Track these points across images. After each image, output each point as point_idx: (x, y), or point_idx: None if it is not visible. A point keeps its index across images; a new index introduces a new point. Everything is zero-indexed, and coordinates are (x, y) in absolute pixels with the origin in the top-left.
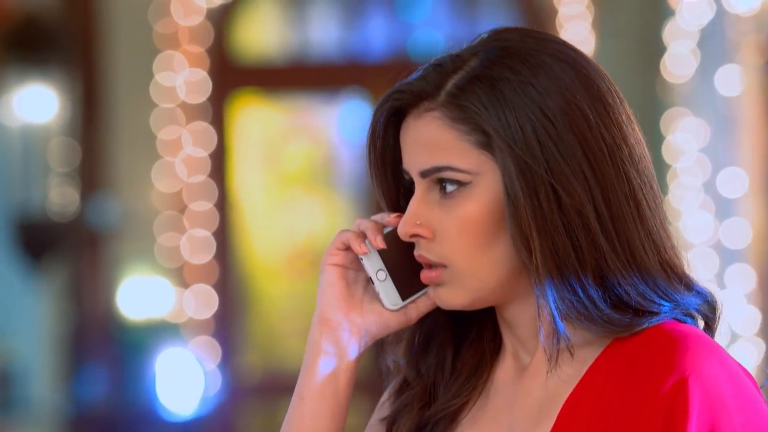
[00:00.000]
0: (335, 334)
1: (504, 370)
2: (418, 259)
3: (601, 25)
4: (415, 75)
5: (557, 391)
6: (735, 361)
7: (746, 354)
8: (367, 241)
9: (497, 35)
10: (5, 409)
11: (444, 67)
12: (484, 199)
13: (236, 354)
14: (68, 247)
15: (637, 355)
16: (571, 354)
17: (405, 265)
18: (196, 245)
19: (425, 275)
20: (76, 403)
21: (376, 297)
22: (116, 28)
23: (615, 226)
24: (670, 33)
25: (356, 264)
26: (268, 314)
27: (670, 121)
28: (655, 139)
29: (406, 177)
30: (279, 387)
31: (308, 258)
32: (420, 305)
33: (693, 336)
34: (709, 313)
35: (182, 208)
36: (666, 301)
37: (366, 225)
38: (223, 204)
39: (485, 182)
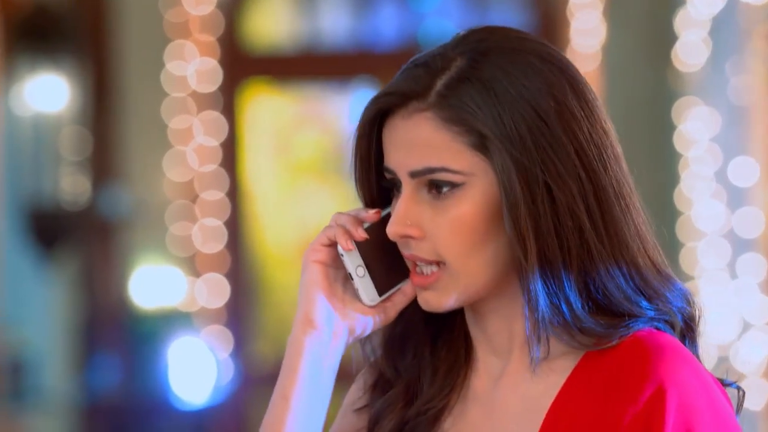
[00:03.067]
0: (318, 333)
1: (478, 378)
2: (408, 258)
3: (612, 14)
4: (400, 76)
5: (537, 403)
6: (706, 370)
7: (759, 343)
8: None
9: (479, 35)
10: (17, 399)
11: (431, 67)
12: (477, 200)
13: (248, 343)
14: (80, 237)
15: (615, 365)
16: (546, 355)
17: (381, 261)
18: (208, 234)
19: (420, 280)
20: (88, 392)
21: (354, 294)
22: (127, 17)
23: (606, 225)
24: (681, 22)
25: (337, 261)
26: (280, 303)
27: (682, 110)
28: (667, 129)
29: (388, 176)
30: None
31: None
32: (396, 302)
33: (668, 346)
34: (691, 311)
35: (194, 198)
36: (653, 301)
37: (345, 219)
38: (234, 193)
39: (478, 183)
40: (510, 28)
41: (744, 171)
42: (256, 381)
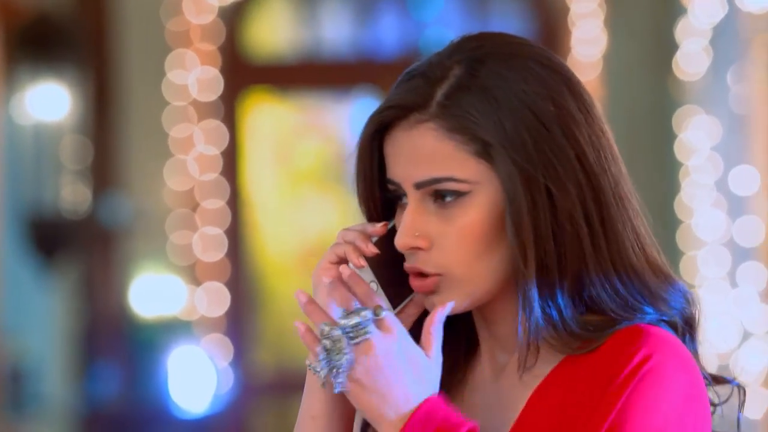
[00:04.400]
0: None
1: (480, 372)
2: (409, 270)
3: (613, 23)
4: (398, 88)
5: (524, 391)
6: (696, 371)
7: (759, 352)
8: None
9: (474, 42)
10: (17, 407)
11: (429, 77)
12: (484, 208)
13: (248, 351)
14: (80, 245)
15: (601, 355)
16: (535, 360)
17: (391, 274)
18: (208, 243)
19: (419, 284)
20: (88, 400)
21: None
22: (128, 26)
23: (605, 229)
24: (682, 31)
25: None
26: (279, 312)
27: (682, 119)
28: (667, 137)
29: (391, 188)
30: (291, 384)
31: (320, 255)
32: (411, 313)
33: (657, 333)
34: (690, 312)
35: (194, 206)
36: (651, 304)
37: (353, 236)
38: (235, 202)
39: (484, 191)
40: (504, 33)
41: (745, 180)
42: (256, 390)
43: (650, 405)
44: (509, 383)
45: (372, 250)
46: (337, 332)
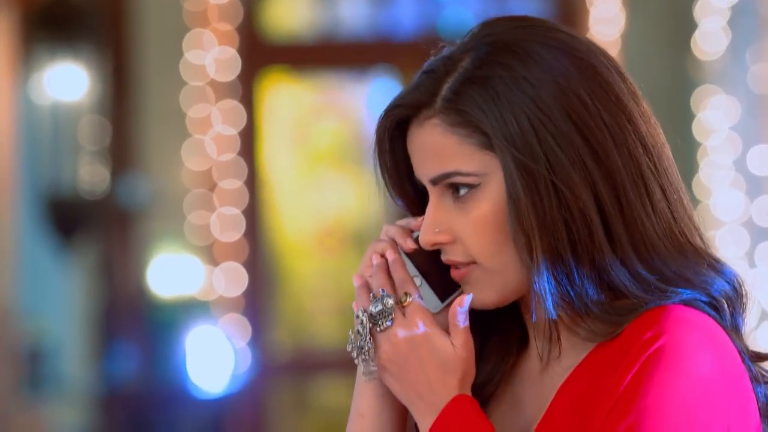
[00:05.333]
0: None
1: (529, 363)
2: (446, 262)
3: (631, 2)
4: (409, 85)
5: (559, 382)
6: (729, 349)
7: None
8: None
9: (486, 29)
10: (36, 388)
11: (436, 73)
12: (495, 198)
13: (266, 332)
14: (98, 226)
15: (626, 335)
16: (559, 352)
17: (437, 268)
18: (226, 223)
19: (455, 273)
20: (107, 381)
21: None
22: (146, 6)
23: (622, 211)
24: (700, 10)
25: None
26: (297, 292)
27: (701, 98)
28: (686, 117)
29: (419, 183)
30: (309, 365)
31: (338, 236)
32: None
33: (679, 310)
34: (733, 295)
35: (212, 186)
36: (684, 286)
37: (394, 231)
38: (252, 182)
39: (494, 181)
40: (517, 17)
41: (763, 159)
42: (274, 370)
43: (663, 384)
44: (550, 374)
45: (410, 245)
46: (364, 318)
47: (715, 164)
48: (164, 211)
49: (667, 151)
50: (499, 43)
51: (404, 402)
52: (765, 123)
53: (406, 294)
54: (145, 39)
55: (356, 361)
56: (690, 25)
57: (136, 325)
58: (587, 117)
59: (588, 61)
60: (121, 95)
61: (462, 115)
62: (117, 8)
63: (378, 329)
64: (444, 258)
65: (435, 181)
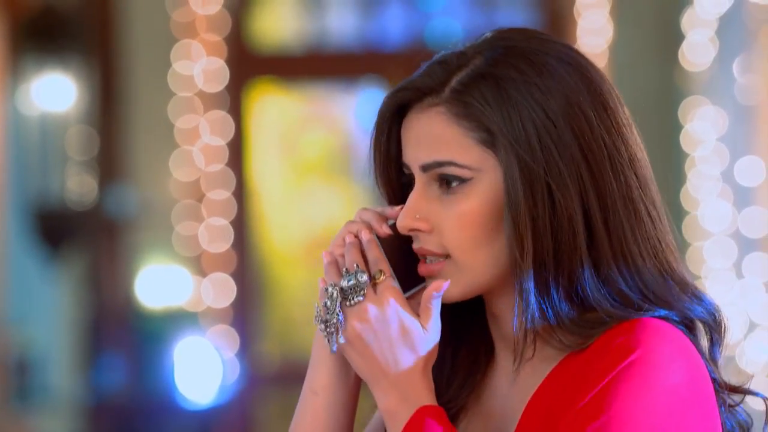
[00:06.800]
0: None
1: (498, 376)
2: (417, 251)
3: (619, 13)
4: (419, 72)
5: (529, 394)
6: (697, 360)
7: (764, 343)
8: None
9: (502, 35)
10: (23, 398)
11: (449, 64)
12: (484, 196)
13: (254, 342)
14: (86, 236)
15: (597, 346)
16: (533, 354)
17: (404, 259)
18: (214, 234)
19: (426, 268)
20: (94, 391)
21: None
22: (134, 17)
23: (608, 229)
24: (688, 21)
25: None
26: (286, 303)
27: (688, 109)
28: (673, 128)
29: (406, 171)
30: (297, 375)
31: (325, 246)
32: (419, 300)
33: (651, 322)
34: (713, 324)
35: (200, 197)
36: (660, 305)
37: (369, 215)
38: (240, 193)
39: (486, 179)
40: (533, 30)
41: (750, 171)
42: (262, 381)
43: (632, 393)
44: (520, 387)
45: (386, 231)
46: (334, 291)
47: (702, 175)
48: (152, 222)
49: (654, 183)
50: (515, 49)
51: (366, 378)
52: (752, 134)
53: (380, 271)
54: (134, 50)
55: (323, 335)
56: (677, 36)
57: (124, 336)
58: (590, 135)
59: (597, 84)
60: (109, 106)
61: (468, 108)
62: (105, 19)
63: (348, 303)
64: (416, 247)
65: (426, 168)
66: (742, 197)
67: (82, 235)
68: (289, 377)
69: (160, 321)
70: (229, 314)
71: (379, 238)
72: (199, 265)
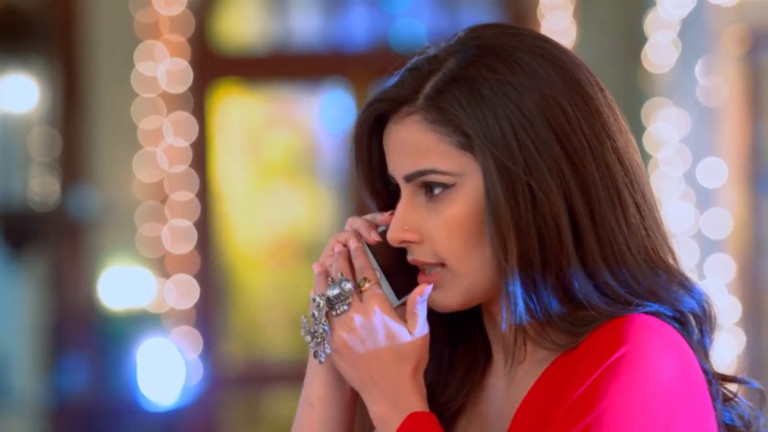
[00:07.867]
0: None
1: (495, 377)
2: (412, 263)
3: (582, 15)
4: (392, 81)
5: (523, 394)
6: (688, 355)
7: (726, 344)
8: (363, 241)
9: (473, 33)
10: None
11: (420, 70)
12: (469, 200)
13: (217, 344)
14: (49, 238)
15: (587, 345)
16: (524, 356)
17: (399, 266)
18: (178, 235)
19: (425, 279)
20: (57, 393)
21: None
22: (97, 18)
23: (594, 224)
24: (651, 23)
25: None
26: (249, 304)
27: (651, 111)
28: (636, 130)
29: (393, 181)
30: (261, 377)
31: (290, 248)
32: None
33: (641, 318)
34: (702, 316)
35: (163, 198)
36: (649, 299)
37: (359, 223)
38: (204, 194)
39: (470, 183)
40: (505, 24)
41: (713, 172)
42: (225, 382)
43: (623, 387)
44: (515, 388)
45: (375, 238)
46: (321, 301)
47: (665, 176)
48: (115, 223)
49: (643, 169)
50: (486, 47)
51: (356, 387)
52: (715, 135)
53: (365, 279)
54: (97, 50)
55: (310, 345)
56: (640, 38)
57: (86, 338)
58: (567, 126)
59: (572, 73)
60: (71, 107)
61: (443, 113)
62: (68, 19)
63: (334, 313)
64: (410, 258)
65: (409, 178)
66: (705, 199)
67: (45, 236)
68: (253, 379)
69: (123, 322)
70: (192, 316)
71: (371, 246)
72: (163, 266)
